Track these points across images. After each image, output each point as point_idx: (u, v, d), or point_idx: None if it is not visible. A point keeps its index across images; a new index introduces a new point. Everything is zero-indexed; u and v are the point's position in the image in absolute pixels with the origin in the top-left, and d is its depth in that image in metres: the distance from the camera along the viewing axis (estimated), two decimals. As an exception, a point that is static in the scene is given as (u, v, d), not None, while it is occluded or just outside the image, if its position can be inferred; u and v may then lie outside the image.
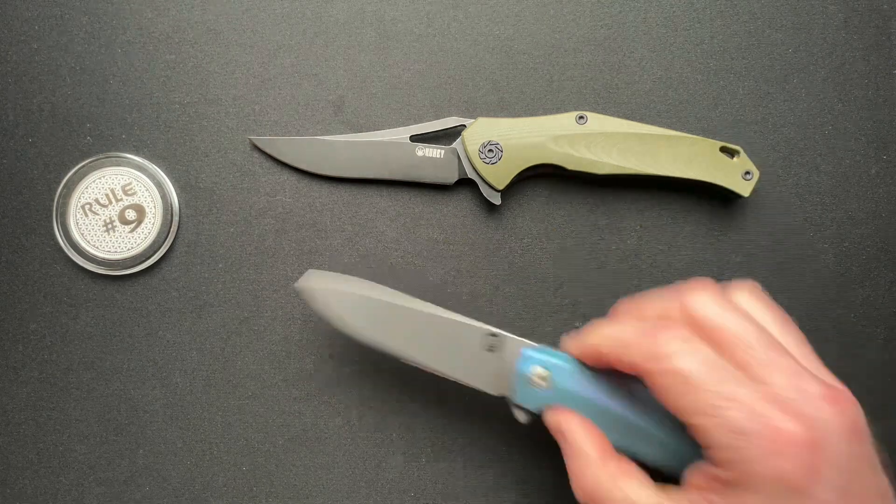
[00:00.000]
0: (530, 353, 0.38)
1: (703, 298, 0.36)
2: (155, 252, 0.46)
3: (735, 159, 0.46)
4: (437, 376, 0.40)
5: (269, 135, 0.48)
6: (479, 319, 0.40)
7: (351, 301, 0.40)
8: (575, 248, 0.47)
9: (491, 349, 0.39)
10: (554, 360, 0.38)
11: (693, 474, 0.35)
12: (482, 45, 0.49)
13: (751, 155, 0.48)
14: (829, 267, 0.48)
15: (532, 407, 0.38)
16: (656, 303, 0.37)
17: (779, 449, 0.31)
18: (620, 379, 0.37)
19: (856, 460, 0.32)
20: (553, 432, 0.39)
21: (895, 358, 0.47)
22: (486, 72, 0.48)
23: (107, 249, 0.46)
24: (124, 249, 0.46)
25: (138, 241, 0.46)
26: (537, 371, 0.38)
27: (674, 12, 0.49)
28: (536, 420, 0.39)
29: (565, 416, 0.38)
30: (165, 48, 0.48)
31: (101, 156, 0.47)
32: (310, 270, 0.42)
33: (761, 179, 0.48)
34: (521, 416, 0.39)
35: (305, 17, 0.48)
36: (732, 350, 0.34)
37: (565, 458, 0.38)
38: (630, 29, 0.49)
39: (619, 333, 0.37)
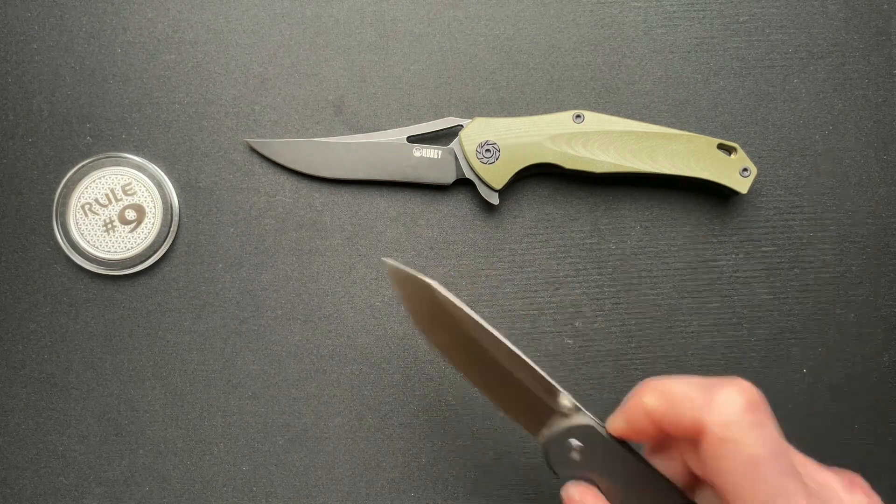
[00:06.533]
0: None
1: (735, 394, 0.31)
2: (155, 252, 0.46)
3: (732, 156, 0.46)
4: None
5: (269, 135, 0.48)
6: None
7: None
8: (574, 247, 0.47)
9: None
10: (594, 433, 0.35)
11: None
12: (482, 45, 0.49)
13: (751, 155, 0.48)
14: (829, 267, 0.48)
15: (562, 474, 0.36)
16: (688, 388, 0.32)
17: None
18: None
19: None
20: None
21: (895, 358, 0.47)
22: (485, 72, 0.48)
23: (107, 249, 0.46)
24: (124, 249, 0.46)
25: (138, 241, 0.46)
26: (575, 444, 0.35)
27: (674, 12, 0.49)
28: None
29: (578, 497, 0.35)
30: (165, 48, 0.48)
31: (101, 156, 0.47)
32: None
33: (762, 179, 0.48)
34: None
35: (305, 17, 0.48)
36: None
37: None
38: (630, 29, 0.49)
39: (672, 388, 0.32)
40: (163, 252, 0.47)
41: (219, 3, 0.48)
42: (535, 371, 0.36)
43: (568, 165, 0.46)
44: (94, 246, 0.46)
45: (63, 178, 0.47)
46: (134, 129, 0.48)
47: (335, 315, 0.47)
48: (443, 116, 0.48)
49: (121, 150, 0.47)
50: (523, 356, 0.36)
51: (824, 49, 0.49)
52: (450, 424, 0.46)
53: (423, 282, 0.37)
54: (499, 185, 0.46)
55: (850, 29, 0.49)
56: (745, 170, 0.46)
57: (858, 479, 0.32)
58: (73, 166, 0.47)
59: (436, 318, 0.37)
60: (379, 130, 0.48)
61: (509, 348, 0.36)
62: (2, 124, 0.47)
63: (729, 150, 0.46)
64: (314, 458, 0.46)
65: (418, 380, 0.47)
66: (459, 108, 0.48)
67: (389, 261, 0.38)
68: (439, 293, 0.37)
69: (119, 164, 0.47)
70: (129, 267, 0.46)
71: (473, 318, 0.36)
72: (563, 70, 0.48)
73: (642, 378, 0.43)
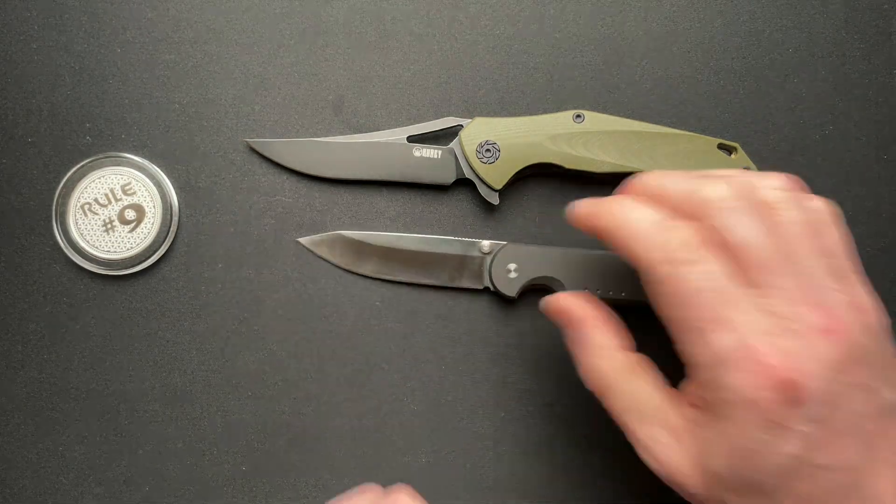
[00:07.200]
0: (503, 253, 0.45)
1: (721, 195, 0.33)
2: (154, 252, 0.46)
3: (733, 156, 0.46)
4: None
5: (269, 135, 0.48)
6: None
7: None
8: (574, 247, 0.47)
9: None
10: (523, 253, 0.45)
11: (686, 386, 0.34)
12: (482, 45, 0.49)
13: (751, 155, 0.48)
14: (830, 267, 0.48)
15: (512, 293, 0.45)
16: (679, 187, 0.34)
17: (756, 383, 0.30)
18: None
19: (845, 390, 0.30)
20: (557, 316, 0.39)
21: (895, 358, 0.47)
22: (485, 72, 0.48)
23: (106, 249, 0.46)
24: (124, 249, 0.46)
25: (138, 241, 0.46)
26: (511, 266, 0.45)
27: (674, 12, 0.49)
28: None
29: (577, 302, 0.39)
30: (165, 48, 0.48)
31: (100, 156, 0.47)
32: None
33: (761, 179, 0.48)
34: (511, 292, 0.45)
35: (305, 17, 0.48)
36: (743, 264, 0.32)
37: (575, 345, 0.38)
38: (630, 29, 0.49)
39: (635, 220, 0.34)
40: (163, 252, 0.47)
41: (219, 3, 0.48)
42: (450, 239, 0.46)
43: (568, 165, 0.46)
44: (93, 246, 0.46)
45: (63, 178, 0.47)
46: (134, 129, 0.48)
47: (335, 315, 0.47)
48: (443, 116, 0.48)
49: (120, 150, 0.47)
50: (433, 236, 0.46)
51: (824, 49, 0.49)
52: (450, 424, 0.46)
53: (334, 234, 0.46)
54: (499, 185, 0.46)
55: (850, 29, 0.49)
56: (745, 170, 0.46)
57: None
58: (73, 166, 0.47)
59: (361, 253, 0.46)
60: (379, 130, 0.48)
61: (421, 237, 0.46)
62: (1, 124, 0.47)
63: (729, 150, 0.46)
64: (314, 458, 0.46)
65: (418, 380, 0.47)
66: (459, 108, 0.48)
67: (302, 240, 0.46)
68: (348, 234, 0.46)
69: (119, 164, 0.47)
70: (129, 267, 0.46)
71: (384, 235, 0.46)
72: (563, 70, 0.48)
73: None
